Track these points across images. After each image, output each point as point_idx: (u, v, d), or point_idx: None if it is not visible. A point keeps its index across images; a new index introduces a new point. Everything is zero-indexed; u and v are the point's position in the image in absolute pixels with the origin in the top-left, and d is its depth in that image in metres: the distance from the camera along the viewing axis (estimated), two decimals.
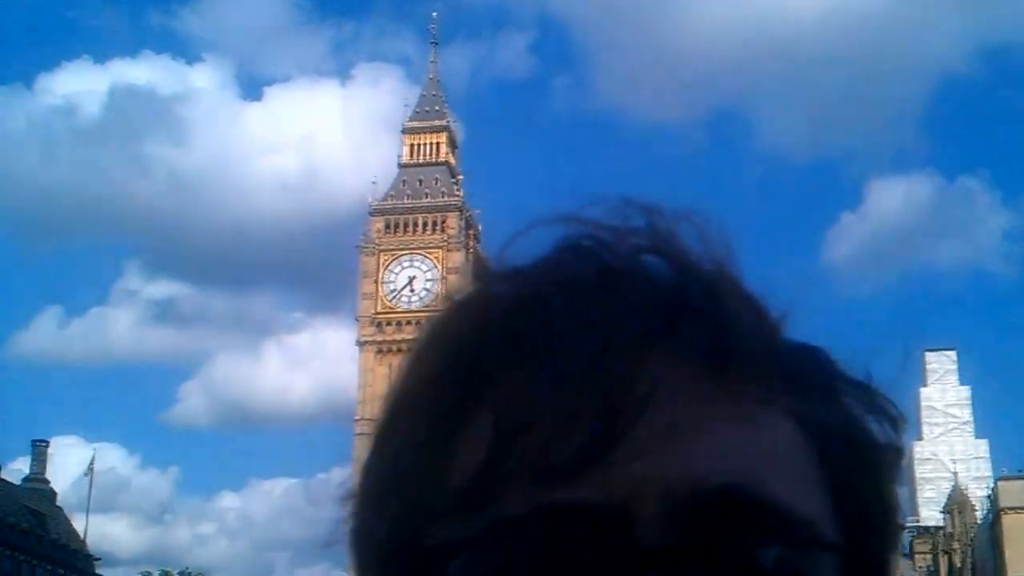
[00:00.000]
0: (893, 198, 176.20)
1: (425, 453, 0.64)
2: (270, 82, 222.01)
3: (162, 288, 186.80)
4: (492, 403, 0.62)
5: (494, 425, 0.61)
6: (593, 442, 0.58)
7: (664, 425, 0.59)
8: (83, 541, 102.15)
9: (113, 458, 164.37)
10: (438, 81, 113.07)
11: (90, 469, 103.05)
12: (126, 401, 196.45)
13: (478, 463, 0.61)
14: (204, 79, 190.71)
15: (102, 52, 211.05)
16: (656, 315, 0.62)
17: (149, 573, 77.68)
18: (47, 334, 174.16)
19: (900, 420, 0.68)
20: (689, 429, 0.60)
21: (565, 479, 0.58)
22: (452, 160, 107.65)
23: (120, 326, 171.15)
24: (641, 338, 0.61)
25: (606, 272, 0.65)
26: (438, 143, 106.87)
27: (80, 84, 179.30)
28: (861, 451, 0.67)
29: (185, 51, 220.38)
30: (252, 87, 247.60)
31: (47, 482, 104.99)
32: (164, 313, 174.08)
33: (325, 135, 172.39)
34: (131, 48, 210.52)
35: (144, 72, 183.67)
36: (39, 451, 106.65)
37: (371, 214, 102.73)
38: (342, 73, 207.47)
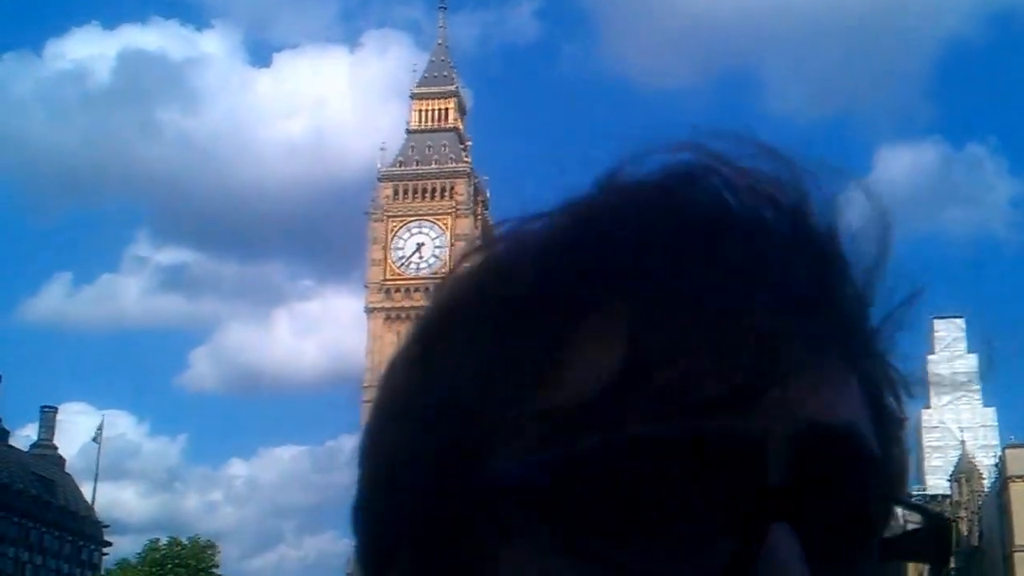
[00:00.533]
0: (901, 166, 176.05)
1: (520, 366, 0.60)
2: (279, 48, 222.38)
3: (172, 255, 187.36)
4: (615, 323, 0.59)
5: (632, 345, 0.59)
6: (748, 384, 0.59)
7: (807, 385, 0.60)
8: (91, 508, 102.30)
9: (123, 425, 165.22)
10: (447, 47, 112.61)
11: (98, 435, 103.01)
12: (136, 368, 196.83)
13: (607, 381, 0.58)
14: (213, 45, 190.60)
15: (111, 18, 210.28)
16: (802, 286, 0.63)
17: (157, 540, 77.69)
18: (57, 300, 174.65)
19: (909, 389, 0.70)
20: (812, 387, 0.61)
21: (713, 414, 0.58)
22: (460, 126, 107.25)
23: (130, 293, 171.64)
24: (791, 303, 0.62)
25: (734, 217, 0.64)
26: (447, 109, 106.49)
27: (89, 50, 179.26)
28: (887, 417, 0.69)
29: (194, 17, 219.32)
30: (261, 53, 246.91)
31: (55, 448, 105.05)
32: (174, 280, 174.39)
33: (334, 102, 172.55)
34: (140, 14, 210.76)
35: (153, 38, 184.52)
36: (47, 417, 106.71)
37: (380, 180, 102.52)
38: (351, 40, 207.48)
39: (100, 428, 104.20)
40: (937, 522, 0.65)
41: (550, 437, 0.58)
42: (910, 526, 0.66)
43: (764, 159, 0.66)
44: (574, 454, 0.57)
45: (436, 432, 0.62)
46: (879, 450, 0.64)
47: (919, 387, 0.70)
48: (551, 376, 0.59)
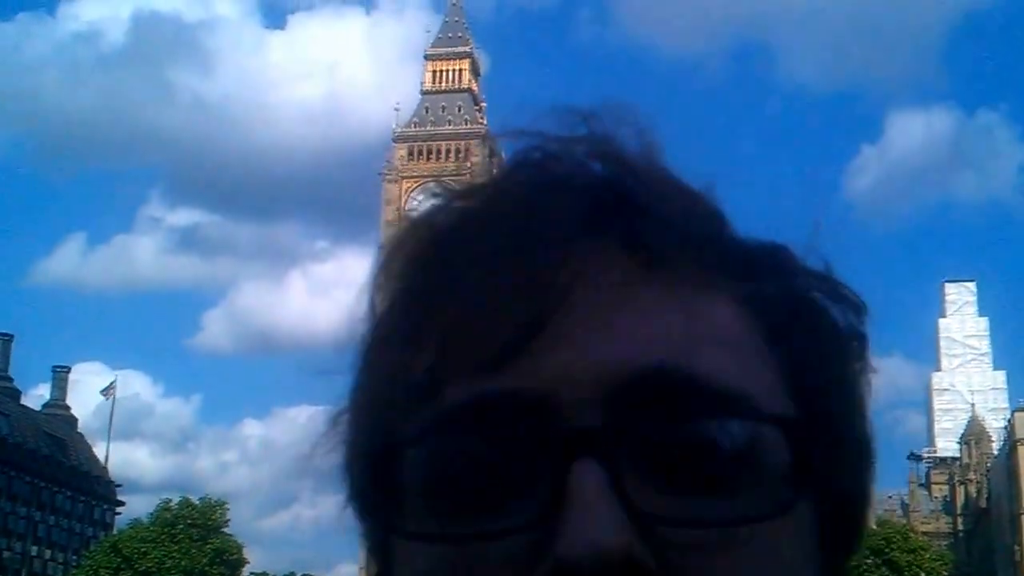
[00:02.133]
0: (913, 131, 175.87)
1: (393, 355, 0.67)
2: (293, 10, 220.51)
3: (186, 216, 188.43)
4: (441, 309, 0.64)
5: (440, 329, 0.64)
6: (518, 333, 0.61)
7: (588, 311, 0.61)
8: (104, 467, 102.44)
9: (137, 385, 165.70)
10: (461, 7, 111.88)
11: (108, 391, 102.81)
12: (151, 328, 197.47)
13: (426, 365, 0.64)
14: (227, 7, 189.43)
15: None
16: (582, 210, 0.65)
17: (169, 500, 77.71)
18: (71, 260, 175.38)
19: (862, 307, 0.70)
20: (615, 314, 0.61)
21: (494, 370, 0.61)
22: (475, 87, 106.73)
23: (144, 253, 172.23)
24: (567, 233, 0.63)
25: (548, 181, 0.68)
26: (461, 70, 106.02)
27: (103, 11, 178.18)
28: (818, 333, 0.68)
29: None
30: (275, 15, 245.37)
31: (68, 408, 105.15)
32: (188, 241, 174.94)
33: (349, 64, 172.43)
34: None
35: None
36: (59, 377, 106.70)
37: (394, 141, 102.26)
38: (365, 2, 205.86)
39: (112, 384, 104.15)
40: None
41: (404, 419, 0.65)
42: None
43: (583, 124, 0.70)
44: (398, 437, 0.64)
45: (368, 420, 0.69)
46: (746, 387, 0.62)
47: (865, 304, 0.69)
48: (413, 361, 0.66)
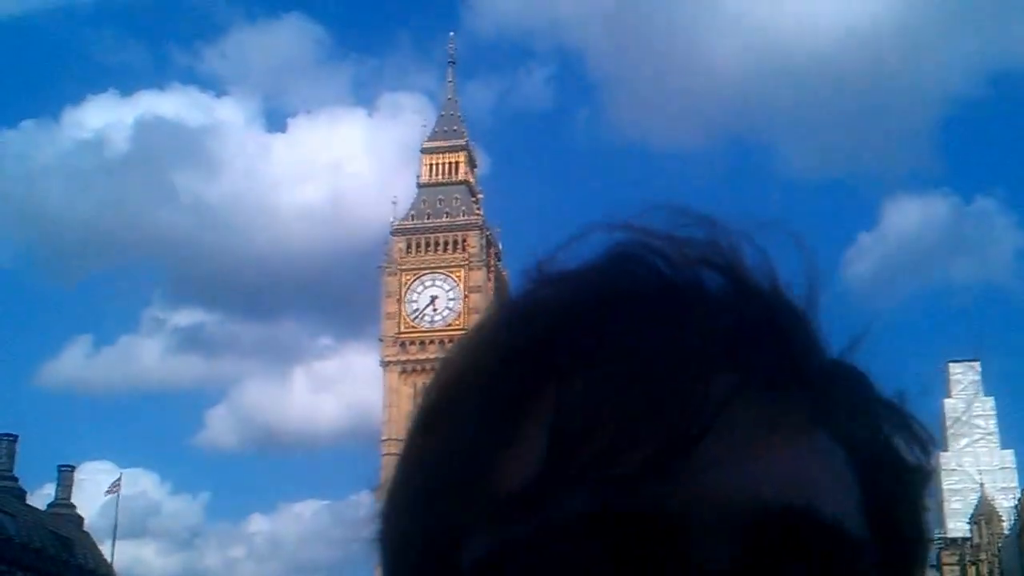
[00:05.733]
0: (910, 218, 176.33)
1: (474, 455, 0.62)
2: (294, 114, 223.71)
3: (190, 316, 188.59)
4: (551, 406, 0.60)
5: (554, 428, 0.59)
6: (659, 454, 0.57)
7: (729, 446, 0.58)
8: (110, 566, 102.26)
9: (145, 483, 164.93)
10: (457, 102, 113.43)
11: (114, 488, 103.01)
12: (159, 427, 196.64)
13: (536, 465, 0.59)
14: (230, 112, 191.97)
15: (128, 85, 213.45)
16: (723, 337, 0.62)
17: None
18: (78, 362, 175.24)
19: (931, 441, 0.69)
20: (752, 452, 0.59)
21: (629, 488, 0.57)
22: (471, 179, 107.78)
23: (150, 354, 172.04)
24: (709, 358, 0.60)
25: (668, 284, 0.64)
26: (457, 162, 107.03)
27: (107, 117, 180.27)
28: (896, 473, 0.67)
29: (212, 84, 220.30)
30: (277, 119, 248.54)
31: (73, 507, 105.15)
32: (192, 341, 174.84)
33: (349, 165, 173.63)
34: (158, 80, 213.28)
35: (171, 105, 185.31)
36: (64, 477, 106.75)
37: (392, 234, 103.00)
38: (365, 104, 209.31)
39: (117, 482, 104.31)
40: None
41: (495, 523, 0.59)
42: None
43: (697, 227, 0.67)
44: (506, 541, 0.58)
45: (420, 516, 0.64)
46: (858, 529, 0.61)
47: (935, 437, 0.69)
48: (504, 462, 0.60)
